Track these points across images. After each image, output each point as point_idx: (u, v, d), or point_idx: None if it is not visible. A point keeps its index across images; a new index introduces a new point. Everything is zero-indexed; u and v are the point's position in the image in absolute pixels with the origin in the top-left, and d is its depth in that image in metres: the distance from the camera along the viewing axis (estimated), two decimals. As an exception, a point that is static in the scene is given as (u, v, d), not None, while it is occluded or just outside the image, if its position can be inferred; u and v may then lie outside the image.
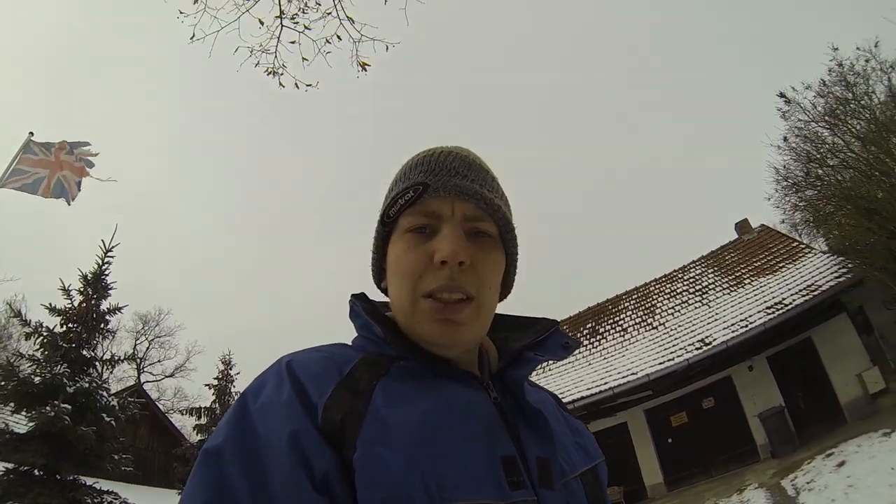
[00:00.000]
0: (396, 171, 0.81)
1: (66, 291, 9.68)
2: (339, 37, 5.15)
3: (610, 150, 76.61)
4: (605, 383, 13.33)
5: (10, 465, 8.61)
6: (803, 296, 11.86)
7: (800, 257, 13.44)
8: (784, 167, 11.64)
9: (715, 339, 12.39)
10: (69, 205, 8.55)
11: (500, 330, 0.82)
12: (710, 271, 15.61)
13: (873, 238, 10.31)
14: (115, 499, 9.28)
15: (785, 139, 11.47)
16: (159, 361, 31.94)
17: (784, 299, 12.19)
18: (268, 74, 5.42)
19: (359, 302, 0.77)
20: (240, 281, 58.06)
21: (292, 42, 5.18)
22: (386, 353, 0.70)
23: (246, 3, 4.84)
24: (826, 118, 10.74)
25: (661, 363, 12.83)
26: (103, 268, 10.23)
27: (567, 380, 14.45)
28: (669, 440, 13.35)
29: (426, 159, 0.76)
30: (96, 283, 10.11)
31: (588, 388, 13.48)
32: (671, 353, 13.03)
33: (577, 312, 17.66)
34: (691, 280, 15.76)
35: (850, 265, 11.52)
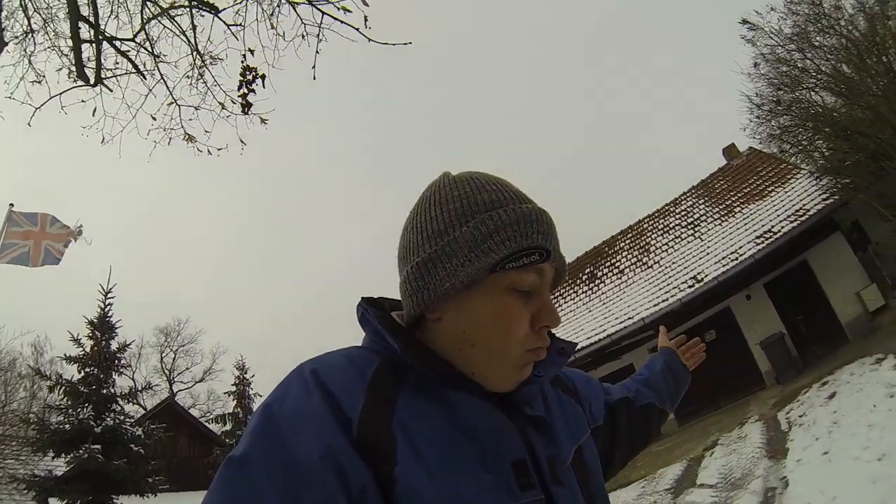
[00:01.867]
0: (473, 203, 0.73)
1: (75, 340, 10.31)
2: (233, 101, 5.30)
3: (596, 89, 73.44)
4: (604, 330, 13.39)
5: (59, 506, 9.54)
6: (791, 221, 11.65)
7: (788, 179, 13.04)
8: (757, 94, 11.14)
9: (707, 275, 12.34)
10: (57, 265, 9.00)
11: None
12: (701, 202, 15.23)
13: (854, 159, 9.99)
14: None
15: (755, 65, 10.92)
16: (188, 369, 33.08)
17: (773, 227, 11.99)
18: (184, 140, 5.71)
19: (371, 310, 0.75)
20: (254, 276, 59.37)
21: (190, 119, 5.40)
22: (397, 359, 0.71)
23: (137, 104, 5.00)
24: (794, 40, 10.18)
25: (656, 304, 12.84)
26: (106, 310, 10.80)
27: (568, 329, 14.54)
28: (676, 376, 13.55)
29: (538, 219, 0.73)
30: (102, 326, 10.70)
31: (588, 337, 13.54)
32: (665, 293, 13.04)
33: (575, 258, 17.36)
34: (683, 213, 15.42)
35: (837, 185, 11.21)
